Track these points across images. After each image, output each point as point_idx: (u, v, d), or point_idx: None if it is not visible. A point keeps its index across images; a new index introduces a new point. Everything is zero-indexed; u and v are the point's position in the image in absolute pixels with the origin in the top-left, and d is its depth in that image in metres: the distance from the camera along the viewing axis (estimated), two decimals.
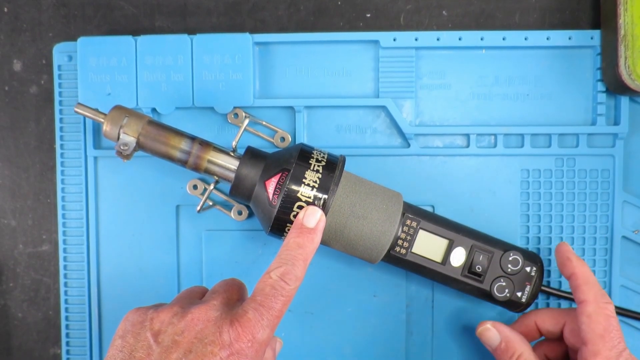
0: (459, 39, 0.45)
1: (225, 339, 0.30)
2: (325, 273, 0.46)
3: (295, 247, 0.34)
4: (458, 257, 0.40)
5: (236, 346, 0.30)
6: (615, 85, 0.44)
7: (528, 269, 0.41)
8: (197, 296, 0.35)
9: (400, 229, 0.39)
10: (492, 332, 0.40)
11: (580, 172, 0.46)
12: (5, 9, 0.48)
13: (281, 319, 0.32)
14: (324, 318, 0.46)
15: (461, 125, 0.46)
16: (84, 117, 0.40)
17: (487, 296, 0.41)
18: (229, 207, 0.46)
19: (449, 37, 0.45)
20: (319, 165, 0.37)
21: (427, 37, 0.45)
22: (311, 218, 0.36)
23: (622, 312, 0.44)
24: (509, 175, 0.46)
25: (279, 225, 0.37)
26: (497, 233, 0.43)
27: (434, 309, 0.46)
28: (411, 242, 0.40)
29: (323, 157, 0.38)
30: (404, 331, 0.46)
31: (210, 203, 0.46)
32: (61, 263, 0.47)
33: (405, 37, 0.45)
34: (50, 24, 0.48)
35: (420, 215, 0.40)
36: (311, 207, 0.36)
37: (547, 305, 0.46)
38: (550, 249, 0.46)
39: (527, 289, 0.41)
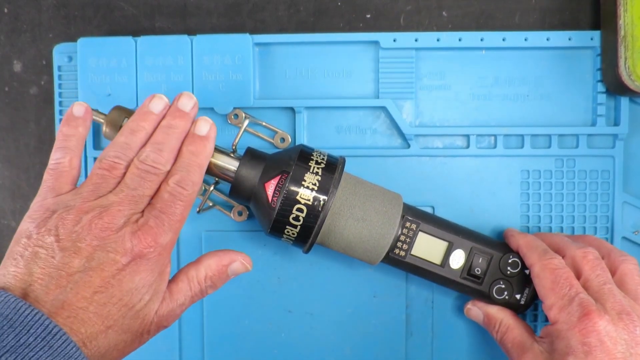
0: (459, 39, 0.45)
1: (127, 246, 0.31)
2: (325, 274, 0.46)
3: (189, 155, 0.35)
4: (457, 259, 0.40)
5: (137, 251, 0.31)
6: (615, 86, 0.43)
7: (527, 271, 0.41)
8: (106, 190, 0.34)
9: (399, 231, 0.39)
10: (474, 310, 0.42)
11: (580, 172, 0.46)
12: (5, 10, 0.48)
13: (184, 223, 0.33)
14: (324, 319, 0.46)
15: (461, 126, 0.46)
16: None
17: (486, 298, 0.41)
18: (229, 208, 0.46)
19: (448, 37, 0.45)
20: (318, 167, 0.37)
21: (427, 38, 0.45)
22: (202, 124, 0.36)
23: None
24: (509, 176, 0.46)
25: (279, 226, 0.38)
26: (497, 234, 0.43)
27: (434, 310, 0.46)
28: (410, 244, 0.40)
29: (323, 158, 0.38)
30: (403, 332, 0.46)
31: (210, 204, 0.46)
32: None
33: (405, 38, 0.45)
34: (50, 24, 0.48)
35: (419, 218, 0.40)
36: (202, 118, 0.36)
37: None
38: None
39: (527, 291, 0.41)
